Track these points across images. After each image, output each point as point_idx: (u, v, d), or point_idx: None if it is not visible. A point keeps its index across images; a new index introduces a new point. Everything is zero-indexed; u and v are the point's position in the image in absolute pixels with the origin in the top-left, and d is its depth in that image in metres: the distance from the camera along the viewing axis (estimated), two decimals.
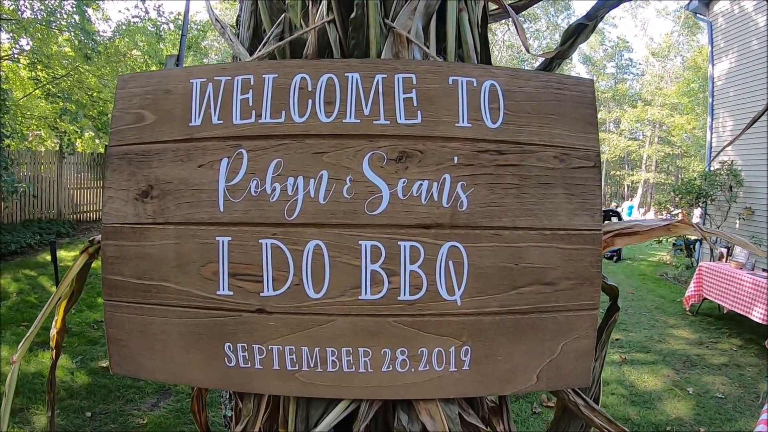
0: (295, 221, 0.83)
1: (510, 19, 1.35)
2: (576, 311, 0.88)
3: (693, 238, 11.49)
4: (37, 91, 10.39)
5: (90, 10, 10.35)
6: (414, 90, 0.84)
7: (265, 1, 1.10)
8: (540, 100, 0.88)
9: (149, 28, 11.54)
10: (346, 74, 0.84)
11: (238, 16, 1.61)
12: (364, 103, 0.83)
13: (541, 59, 1.23)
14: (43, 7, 9.93)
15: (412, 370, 0.85)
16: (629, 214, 20.09)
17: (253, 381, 0.86)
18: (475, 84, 0.85)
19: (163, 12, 11.31)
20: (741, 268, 7.54)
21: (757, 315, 6.62)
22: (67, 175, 11.47)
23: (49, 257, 8.47)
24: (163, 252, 0.86)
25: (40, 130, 11.02)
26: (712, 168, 10.25)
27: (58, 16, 10.12)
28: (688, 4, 11.46)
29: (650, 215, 19.65)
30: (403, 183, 0.82)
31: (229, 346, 0.84)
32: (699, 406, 4.26)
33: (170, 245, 0.86)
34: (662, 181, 28.43)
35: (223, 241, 0.83)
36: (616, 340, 6.52)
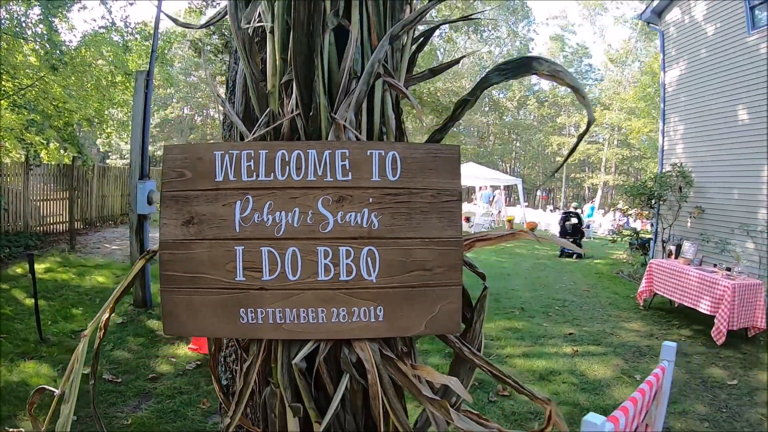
0: (281, 237, 1.49)
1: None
2: (446, 286, 1.56)
3: (648, 237, 12.49)
4: (2, 102, 10.65)
5: (56, 20, 10.66)
6: (347, 159, 1.51)
7: (254, 89, 1.76)
8: (423, 161, 1.56)
9: (115, 38, 11.95)
10: (307, 150, 1.51)
11: (227, 81, 2.26)
12: (319, 168, 1.50)
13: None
14: (8, 17, 10.18)
15: (350, 320, 1.52)
16: (590, 216, 21.26)
17: (257, 331, 1.52)
18: (383, 154, 1.53)
19: (130, 23, 11.69)
20: (689, 264, 8.34)
21: (703, 307, 7.40)
22: (33, 186, 11.64)
23: (19, 270, 8.84)
24: (201, 256, 1.51)
25: (5, 142, 11.32)
26: (664, 170, 11.17)
27: (24, 26, 10.36)
28: (642, 13, 12.43)
29: (609, 217, 20.82)
30: (341, 214, 1.50)
31: (242, 310, 1.51)
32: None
33: (206, 252, 1.51)
34: (622, 182, 29.82)
35: (239, 249, 1.49)
36: (569, 334, 7.23)
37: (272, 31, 1.71)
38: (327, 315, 1.51)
